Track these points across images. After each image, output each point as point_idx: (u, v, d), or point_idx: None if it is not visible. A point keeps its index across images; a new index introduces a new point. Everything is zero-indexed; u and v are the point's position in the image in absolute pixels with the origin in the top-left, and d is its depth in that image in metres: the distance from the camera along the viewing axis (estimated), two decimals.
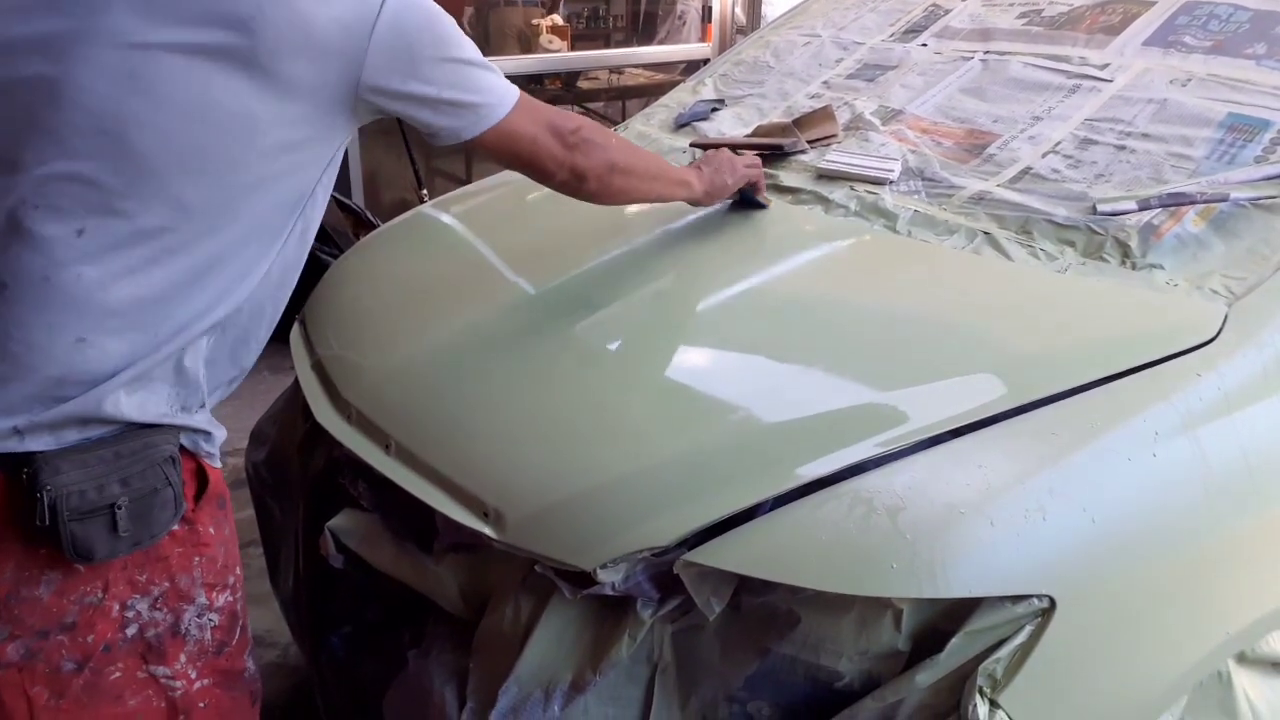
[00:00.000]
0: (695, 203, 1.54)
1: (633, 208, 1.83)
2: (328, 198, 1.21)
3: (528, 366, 1.34)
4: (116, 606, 1.11)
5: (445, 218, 1.96)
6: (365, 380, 1.44)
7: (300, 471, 1.57)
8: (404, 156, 3.95)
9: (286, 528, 1.66)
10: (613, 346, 1.34)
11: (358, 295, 1.75)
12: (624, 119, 4.39)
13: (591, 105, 5.90)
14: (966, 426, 1.13)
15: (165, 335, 1.08)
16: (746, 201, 1.63)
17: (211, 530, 1.17)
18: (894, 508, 1.05)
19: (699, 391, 1.25)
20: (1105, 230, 1.38)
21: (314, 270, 2.00)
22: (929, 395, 1.17)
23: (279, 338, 1.75)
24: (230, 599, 1.20)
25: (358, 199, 4.04)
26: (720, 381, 1.26)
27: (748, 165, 1.60)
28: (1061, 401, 1.15)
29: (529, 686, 1.13)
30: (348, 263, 1.93)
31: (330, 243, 3.56)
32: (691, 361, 1.31)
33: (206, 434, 1.16)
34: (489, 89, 1.18)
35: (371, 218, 3.79)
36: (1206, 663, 1.14)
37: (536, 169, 1.28)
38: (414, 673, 1.26)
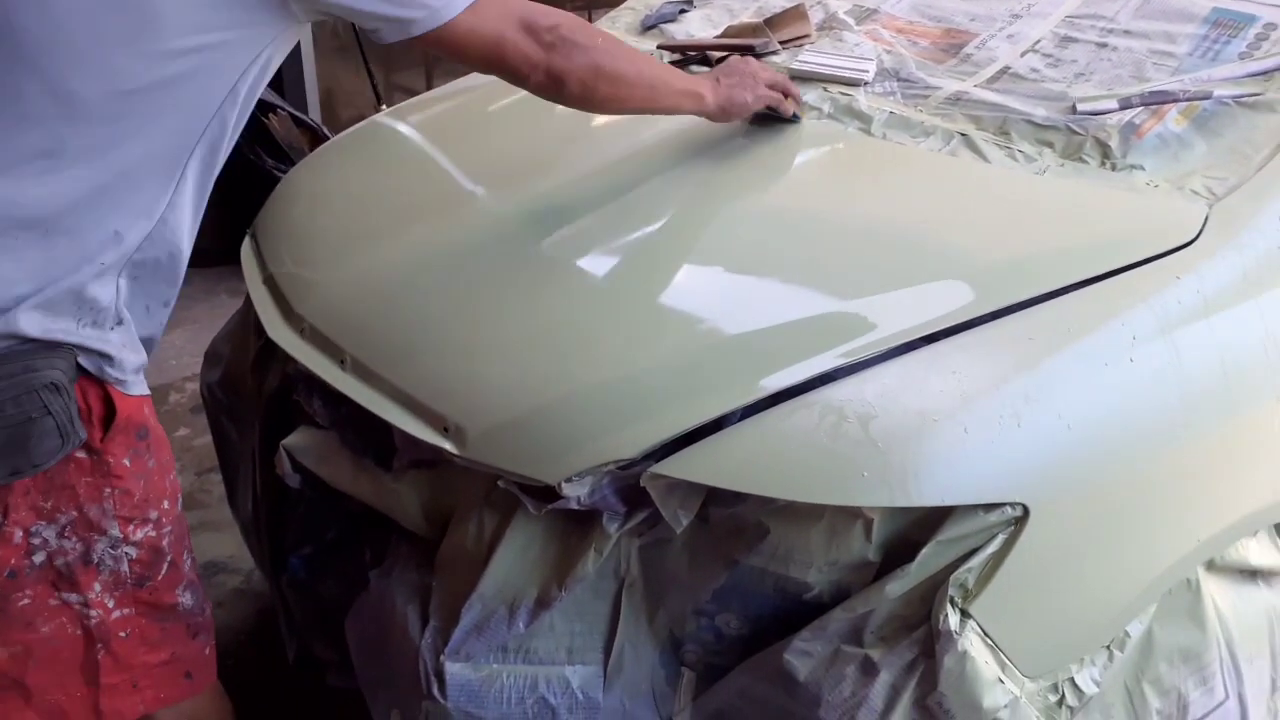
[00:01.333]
0: (708, 117, 1.38)
1: (603, 117, 1.76)
2: (245, 117, 1.10)
3: (488, 278, 1.28)
4: (19, 532, 1.06)
5: (402, 127, 1.87)
6: (319, 295, 1.38)
7: (254, 390, 1.51)
8: (361, 71, 3.81)
9: (243, 449, 1.61)
10: (576, 258, 1.29)
11: (310, 208, 1.67)
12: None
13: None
14: (941, 333, 1.09)
15: (71, 257, 1.01)
16: (774, 115, 1.47)
17: (127, 462, 1.11)
18: (865, 415, 1.02)
19: (665, 303, 1.20)
20: (1085, 130, 1.33)
21: (265, 185, 1.92)
22: (901, 302, 1.13)
23: (234, 259, 1.68)
24: (153, 534, 1.15)
25: (314, 117, 3.90)
26: (687, 292, 1.21)
27: (772, 82, 1.43)
28: (1038, 306, 1.12)
29: (493, 603, 1.10)
30: (299, 175, 1.85)
31: (285, 159, 3.45)
32: (657, 272, 1.25)
33: (111, 358, 1.08)
34: None
35: (329, 134, 3.66)
36: (1177, 570, 1.13)
37: (508, 71, 1.16)
38: (376, 593, 1.23)
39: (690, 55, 1.78)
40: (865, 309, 1.13)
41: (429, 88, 4.94)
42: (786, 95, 1.44)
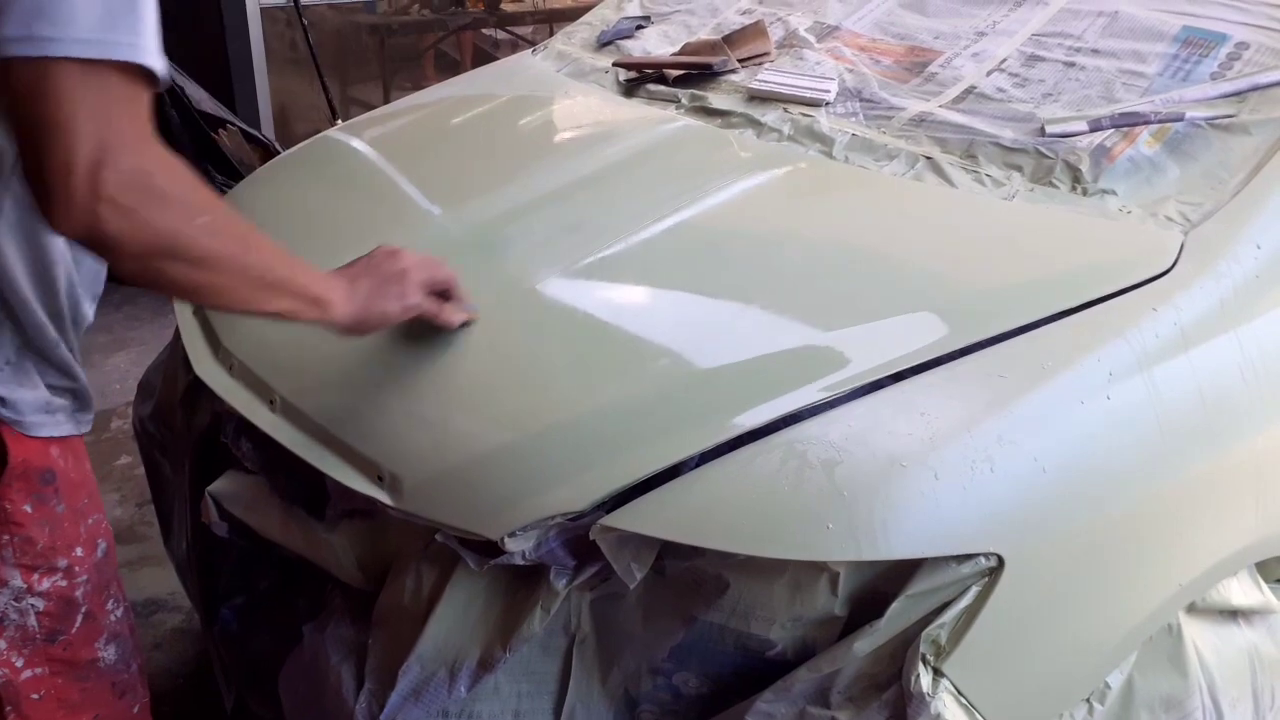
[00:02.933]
0: (335, 330, 1.02)
1: (565, 131, 1.69)
2: None
3: None
4: None
5: (354, 143, 1.79)
6: (248, 328, 1.29)
7: (184, 427, 1.42)
8: (316, 84, 3.71)
9: (177, 487, 1.52)
10: (523, 291, 1.21)
11: (252, 222, 1.59)
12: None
13: (518, 30, 5.66)
14: (908, 370, 1.03)
15: None
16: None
17: (27, 509, 1.02)
18: (830, 461, 0.95)
19: (615, 339, 1.13)
20: (1055, 153, 1.28)
21: None
22: (866, 336, 1.07)
23: None
24: (62, 584, 1.06)
25: (267, 132, 3.80)
26: (639, 327, 1.14)
27: (429, 283, 1.08)
28: (1009, 340, 1.06)
29: (432, 665, 1.02)
30: (241, 194, 1.76)
31: (236, 176, 3.35)
32: (608, 305, 1.18)
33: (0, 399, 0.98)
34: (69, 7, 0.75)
35: (281, 149, 3.56)
36: (1158, 616, 1.07)
37: (33, 178, 0.79)
38: (309, 648, 1.14)
39: (647, 73, 1.72)
40: (829, 344, 1.06)
41: (386, 101, 4.86)
42: (449, 298, 1.12)
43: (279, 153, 3.59)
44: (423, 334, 1.13)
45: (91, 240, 0.80)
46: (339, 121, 3.77)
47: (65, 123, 0.76)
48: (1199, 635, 1.15)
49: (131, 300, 3.46)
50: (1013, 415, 1.00)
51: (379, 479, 1.05)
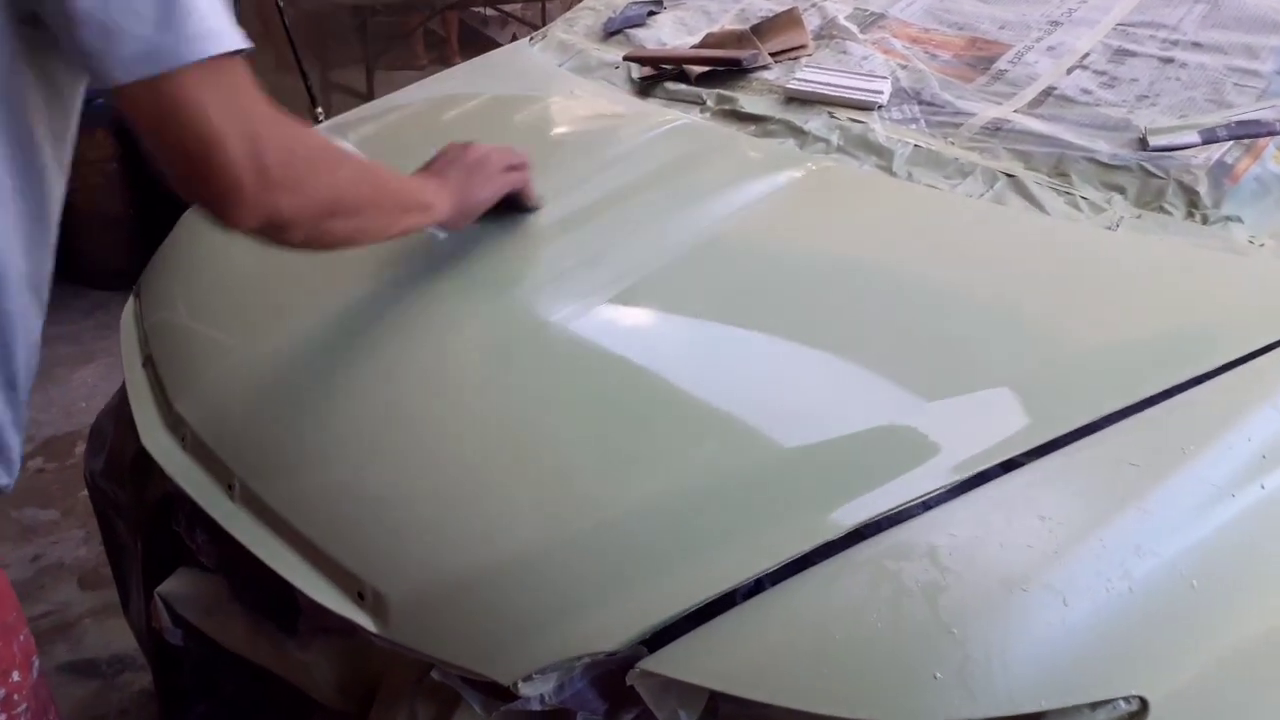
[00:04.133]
0: (442, 227, 1.07)
1: (574, 142, 1.46)
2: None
3: (424, 379, 0.98)
4: None
5: (343, 144, 1.57)
6: (206, 390, 1.08)
7: (134, 498, 1.21)
8: (294, 67, 3.46)
9: (132, 551, 1.31)
10: (533, 344, 1.00)
11: (210, 259, 1.37)
12: (544, 23, 3.94)
13: (508, 8, 5.41)
14: (1018, 457, 0.83)
15: None
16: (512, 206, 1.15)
17: None
18: (932, 586, 0.75)
19: (653, 413, 0.91)
20: (1165, 172, 1.07)
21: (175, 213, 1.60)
22: (963, 411, 0.86)
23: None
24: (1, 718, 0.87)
25: None
26: (681, 399, 0.92)
27: (507, 164, 1.12)
28: (1136, 415, 0.86)
29: None
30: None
31: None
32: (642, 367, 0.96)
33: None
34: (190, 10, 0.73)
35: None
36: None
37: (199, 189, 0.78)
38: None
39: (665, 69, 1.50)
40: (917, 422, 0.86)
41: (370, 86, 4.60)
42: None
43: None
44: (415, 411, 0.93)
45: (271, 226, 0.81)
46: (319, 110, 3.54)
47: (211, 128, 0.75)
48: None
49: (103, 306, 3.22)
50: (1151, 516, 0.80)
51: (360, 596, 0.85)
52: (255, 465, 0.96)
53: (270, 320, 1.14)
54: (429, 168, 1.08)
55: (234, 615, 0.99)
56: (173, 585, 1.02)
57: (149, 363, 1.19)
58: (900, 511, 0.80)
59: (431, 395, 0.96)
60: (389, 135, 1.62)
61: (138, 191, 3.15)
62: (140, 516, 1.17)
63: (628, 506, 0.83)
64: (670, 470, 0.85)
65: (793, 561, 0.78)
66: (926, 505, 0.80)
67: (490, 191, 1.09)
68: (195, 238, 1.44)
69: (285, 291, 1.18)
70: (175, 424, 1.07)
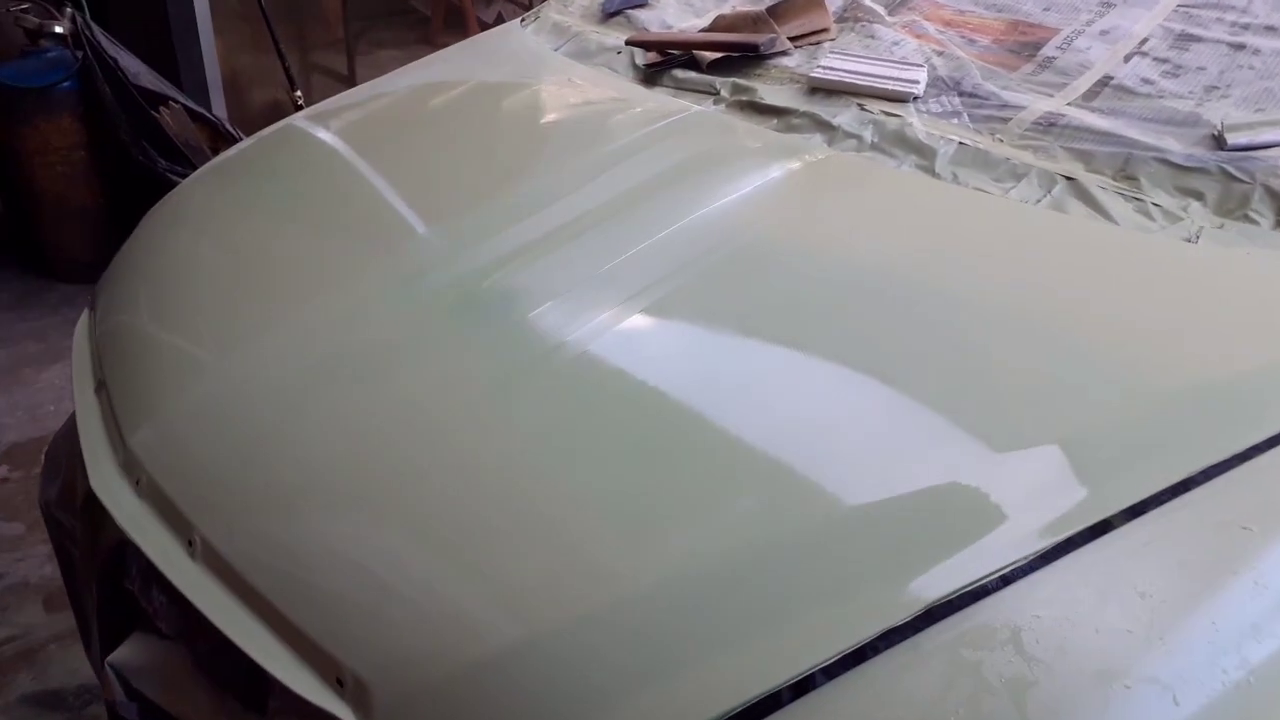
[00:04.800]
0: None
1: (575, 138, 1.31)
2: None
3: (414, 414, 0.86)
4: None
5: (322, 134, 1.43)
6: (163, 422, 0.95)
7: (88, 540, 1.08)
8: (271, 49, 3.30)
9: (89, 596, 1.18)
10: (539, 377, 0.87)
11: (174, 266, 1.23)
12: (532, 3, 3.78)
13: None
14: (1107, 520, 0.71)
15: None
16: None
17: None
18: (1018, 681, 0.63)
19: (676, 472, 0.77)
20: (1250, 175, 0.95)
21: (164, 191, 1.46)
22: (1042, 465, 0.74)
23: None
24: None
25: (218, 106, 3.39)
26: (707, 451, 0.78)
27: None
28: (1244, 465, 0.74)
29: None
30: (174, 203, 1.40)
31: (181, 159, 2.96)
32: (662, 414, 0.82)
33: None
34: None
35: (231, 129, 3.16)
36: None
37: None
38: None
39: (672, 55, 1.37)
40: (994, 479, 0.74)
41: (351, 68, 4.43)
42: None
43: (228, 132, 3.19)
44: (403, 460, 0.80)
45: None
46: (297, 93, 3.39)
47: None
48: None
49: (70, 301, 3.07)
50: (1268, 590, 0.69)
51: (339, 683, 0.73)
52: (220, 518, 0.84)
53: (242, 341, 1.01)
54: None
55: (196, 689, 0.86)
56: (126, 654, 0.90)
57: (102, 388, 1.06)
58: (977, 587, 0.68)
59: (420, 440, 0.83)
60: (373, 126, 1.49)
61: (107, 180, 3.00)
62: (94, 564, 1.04)
63: (653, 582, 0.71)
64: (702, 536, 0.73)
65: (851, 652, 0.66)
66: (1005, 579, 0.69)
67: None
68: (158, 240, 1.31)
69: (260, 306, 1.05)
70: (129, 464, 0.94)
